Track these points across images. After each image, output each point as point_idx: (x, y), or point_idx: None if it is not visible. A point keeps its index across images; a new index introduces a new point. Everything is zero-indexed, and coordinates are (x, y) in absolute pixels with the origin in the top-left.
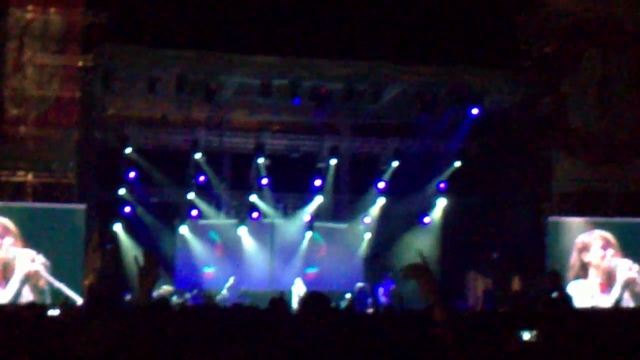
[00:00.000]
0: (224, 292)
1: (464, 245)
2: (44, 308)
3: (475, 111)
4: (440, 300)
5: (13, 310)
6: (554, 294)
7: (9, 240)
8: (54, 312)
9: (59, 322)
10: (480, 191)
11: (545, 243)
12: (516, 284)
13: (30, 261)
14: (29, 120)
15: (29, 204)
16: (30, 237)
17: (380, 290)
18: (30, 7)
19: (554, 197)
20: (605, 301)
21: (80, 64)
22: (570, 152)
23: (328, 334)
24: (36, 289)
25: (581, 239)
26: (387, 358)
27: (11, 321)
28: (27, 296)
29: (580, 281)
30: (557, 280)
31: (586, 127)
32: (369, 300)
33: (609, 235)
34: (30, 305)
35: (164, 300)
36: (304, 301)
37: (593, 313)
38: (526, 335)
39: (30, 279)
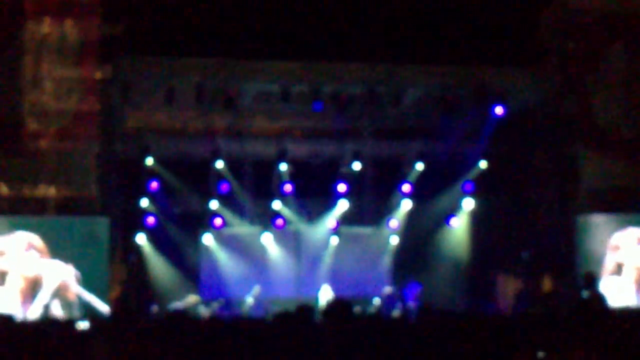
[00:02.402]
0: (250, 300)
1: (492, 247)
2: (71, 322)
3: (498, 110)
4: None
5: (39, 326)
6: (585, 293)
7: (34, 254)
8: (83, 325)
9: (88, 335)
10: (508, 191)
11: (576, 241)
12: (547, 284)
13: (60, 273)
14: (49, 134)
15: (52, 218)
16: (56, 251)
17: (407, 293)
18: (46, 21)
19: (582, 194)
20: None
21: (98, 76)
22: (597, 149)
23: (353, 340)
24: (65, 303)
25: (614, 238)
26: None
27: (39, 338)
28: (56, 310)
29: (615, 277)
30: (590, 281)
31: (612, 123)
32: (398, 304)
33: None
34: (56, 321)
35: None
36: (328, 309)
37: (628, 313)
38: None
39: (59, 291)
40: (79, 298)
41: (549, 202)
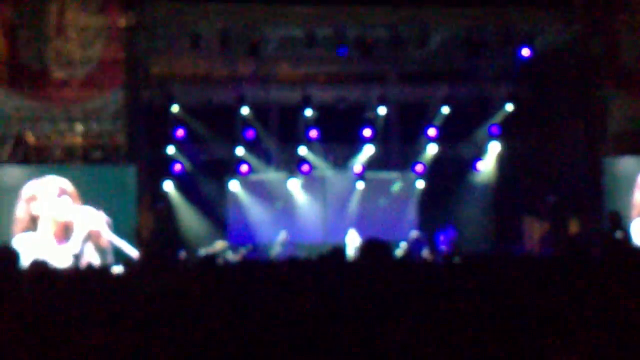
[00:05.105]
0: (277, 247)
1: (519, 190)
2: (106, 268)
3: (525, 52)
4: None
5: (74, 272)
6: (618, 234)
7: (66, 199)
8: (118, 269)
9: (123, 279)
10: (534, 134)
11: (602, 183)
12: (574, 226)
13: (91, 219)
14: (74, 83)
15: (79, 166)
16: (84, 198)
17: (441, 237)
18: None
19: (609, 136)
20: None
21: (122, 23)
22: (624, 90)
23: (390, 281)
24: (98, 248)
25: None
26: (448, 305)
27: (75, 283)
28: (90, 256)
29: None
30: (618, 220)
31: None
32: (424, 248)
33: None
34: (91, 267)
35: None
36: (365, 248)
37: None
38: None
39: (91, 237)
40: (112, 244)
41: (576, 144)
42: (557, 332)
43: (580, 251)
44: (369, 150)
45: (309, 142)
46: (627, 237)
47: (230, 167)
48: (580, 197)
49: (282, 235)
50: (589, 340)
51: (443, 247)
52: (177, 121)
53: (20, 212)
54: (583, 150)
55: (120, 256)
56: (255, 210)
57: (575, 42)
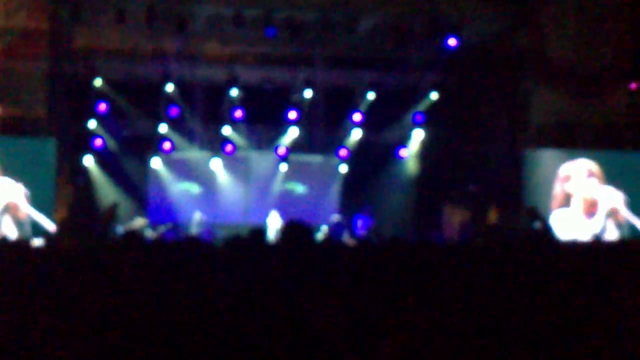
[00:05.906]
0: (193, 227)
1: (441, 178)
2: (25, 240)
3: (452, 42)
4: None
5: None
6: (536, 224)
7: None
8: (38, 242)
9: (44, 251)
10: (458, 123)
11: (523, 175)
12: (492, 216)
13: (9, 191)
14: None
15: None
16: (5, 169)
17: (359, 222)
18: None
19: (531, 128)
20: (590, 230)
21: None
22: (549, 83)
23: (311, 264)
24: (16, 221)
25: (564, 168)
26: (370, 289)
27: None
28: (7, 228)
29: (564, 210)
30: (534, 214)
31: (565, 58)
32: (344, 232)
33: (592, 165)
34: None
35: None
36: (286, 230)
37: (574, 245)
38: None
39: (9, 209)
40: (30, 217)
41: (499, 135)
42: (473, 321)
43: (497, 241)
44: (293, 132)
45: (233, 122)
46: (546, 227)
47: (153, 144)
48: (501, 188)
49: (197, 216)
50: (502, 329)
51: (361, 232)
52: (99, 95)
53: None
54: (506, 141)
55: (37, 229)
56: (176, 189)
57: (502, 34)
